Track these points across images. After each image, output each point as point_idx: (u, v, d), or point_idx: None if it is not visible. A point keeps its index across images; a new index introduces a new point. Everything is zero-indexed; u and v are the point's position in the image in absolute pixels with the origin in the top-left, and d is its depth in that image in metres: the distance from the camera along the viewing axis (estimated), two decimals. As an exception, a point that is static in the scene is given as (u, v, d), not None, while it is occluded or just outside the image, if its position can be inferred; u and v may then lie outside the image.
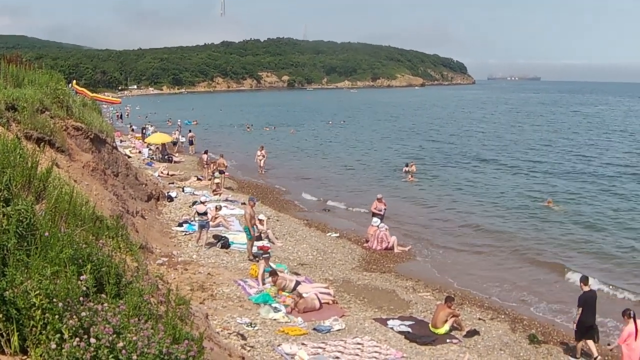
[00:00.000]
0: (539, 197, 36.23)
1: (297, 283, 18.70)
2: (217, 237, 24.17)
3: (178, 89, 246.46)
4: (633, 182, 42.05)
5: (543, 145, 62.84)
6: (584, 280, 16.53)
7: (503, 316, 18.35)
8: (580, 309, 15.91)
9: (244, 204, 27.88)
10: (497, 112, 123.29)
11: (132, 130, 69.23)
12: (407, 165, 45.40)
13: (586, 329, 15.94)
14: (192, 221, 24.95)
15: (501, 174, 46.11)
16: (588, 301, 16.00)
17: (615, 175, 44.50)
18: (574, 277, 20.98)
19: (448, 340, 16.00)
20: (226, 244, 23.49)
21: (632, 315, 14.81)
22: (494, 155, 55.58)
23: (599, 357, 15.74)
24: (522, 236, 28.32)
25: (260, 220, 25.16)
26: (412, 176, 43.43)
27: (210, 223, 24.89)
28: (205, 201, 27.44)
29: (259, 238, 24.00)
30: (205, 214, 23.93)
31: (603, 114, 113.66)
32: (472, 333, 16.60)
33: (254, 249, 22.69)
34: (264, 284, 18.90)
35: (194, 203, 29.59)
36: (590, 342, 15.97)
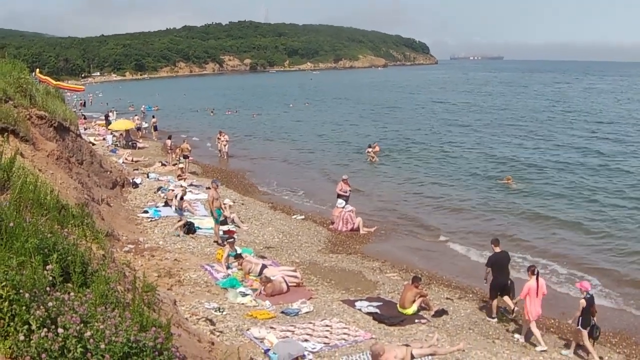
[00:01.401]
0: (499, 175, 36.83)
1: (264, 266, 18.69)
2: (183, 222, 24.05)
3: (141, 74, 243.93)
4: (587, 157, 43.34)
5: (505, 125, 63.39)
6: (495, 242, 17.57)
7: (471, 295, 18.52)
8: (489, 268, 16.95)
9: (209, 188, 27.77)
10: (458, 91, 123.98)
11: (84, 118, 68.05)
12: (370, 147, 45.48)
13: (500, 287, 16.92)
14: (176, 208, 24.70)
15: (463, 153, 46.42)
16: (498, 262, 16.98)
17: (572, 153, 45.42)
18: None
19: (416, 321, 16.08)
20: (192, 229, 23.36)
21: (535, 272, 15.65)
22: (456, 136, 55.98)
23: (516, 309, 16.68)
24: (483, 214, 28.89)
25: (227, 205, 25.10)
26: (375, 157, 43.61)
27: (174, 208, 24.78)
28: (185, 188, 27.25)
29: (225, 222, 23.92)
30: (182, 199, 23.81)
31: (561, 93, 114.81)
32: (441, 313, 16.70)
33: (220, 233, 22.63)
34: (228, 268, 18.86)
35: (159, 189, 29.50)
36: (506, 298, 17.02)
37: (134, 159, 40.26)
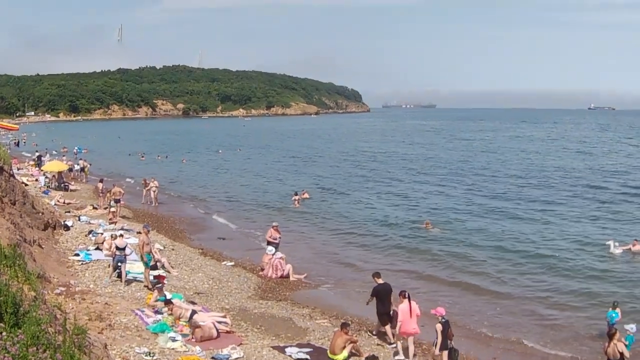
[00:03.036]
0: (419, 220, 37.96)
1: (194, 312, 18.55)
2: (114, 267, 23.73)
3: (74, 116, 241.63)
4: (504, 202, 45.47)
5: (426, 173, 65.04)
6: (376, 275, 19.71)
7: (402, 341, 18.71)
8: (374, 297, 18.92)
9: (139, 232, 27.52)
10: (384, 140, 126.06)
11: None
12: (296, 194, 45.92)
13: (385, 316, 18.80)
14: (110, 256, 24.31)
15: (387, 198, 48.29)
16: (380, 292, 18.89)
17: (492, 200, 47.24)
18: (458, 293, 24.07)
19: (347, 366, 16.09)
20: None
21: (406, 296, 17.51)
22: (379, 184, 57.40)
23: (395, 339, 18.13)
24: (409, 257, 30.17)
25: (157, 249, 24.92)
26: (298, 202, 44.25)
27: (106, 252, 24.50)
28: (122, 235, 26.80)
29: (155, 267, 23.71)
30: (124, 248, 23.35)
31: (488, 141, 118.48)
32: (371, 359, 16.86)
33: (150, 278, 22.41)
34: (158, 313, 18.68)
35: (90, 232, 29.18)
36: (387, 327, 18.77)
37: (66, 201, 40.06)
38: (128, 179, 54.78)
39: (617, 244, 30.05)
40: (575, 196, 47.29)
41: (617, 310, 17.70)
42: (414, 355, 17.28)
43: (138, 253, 23.83)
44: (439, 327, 16.25)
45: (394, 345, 17.81)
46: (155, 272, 23.19)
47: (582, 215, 39.81)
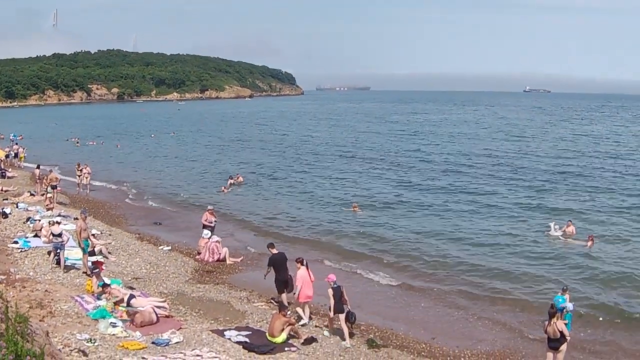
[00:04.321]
0: (348, 203, 38.89)
1: (131, 296, 18.70)
2: (54, 254, 23.61)
3: (10, 102, 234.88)
4: (430, 183, 46.10)
5: (353, 156, 65.52)
6: (270, 245, 21.22)
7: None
8: (271, 267, 20.30)
9: (76, 218, 27.39)
10: (314, 123, 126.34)
11: None
12: (231, 177, 46.28)
13: (282, 283, 20.14)
14: (48, 243, 24.17)
15: (318, 181, 49.26)
16: (277, 262, 20.30)
17: (417, 179, 49.17)
18: (379, 278, 24.71)
19: (287, 349, 16.49)
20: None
21: (304, 263, 19.16)
22: (313, 165, 58.91)
23: (288, 304, 19.27)
24: (334, 239, 31.13)
25: (94, 235, 24.88)
26: (229, 186, 44.54)
27: (45, 239, 24.40)
28: (60, 222, 26.54)
29: (93, 253, 23.70)
30: (60, 235, 23.19)
31: (417, 123, 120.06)
32: (310, 340, 17.21)
33: (89, 264, 22.41)
34: (99, 299, 18.78)
35: (28, 219, 28.93)
36: (283, 295, 20.01)
37: (3, 189, 39.49)
38: (64, 166, 54.02)
39: (557, 226, 31.11)
40: (499, 180, 48.27)
41: (566, 295, 18.04)
42: (310, 319, 19.11)
43: (76, 239, 23.78)
44: (330, 291, 17.73)
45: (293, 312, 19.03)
46: (93, 258, 23.20)
47: (507, 199, 40.97)
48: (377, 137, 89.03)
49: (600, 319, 20.43)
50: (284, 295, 19.95)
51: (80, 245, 22.41)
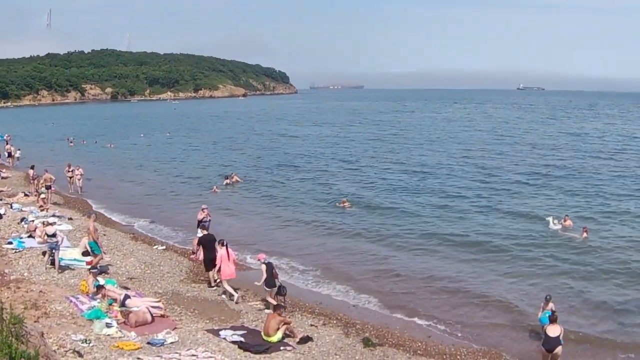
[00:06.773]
0: (338, 198, 39.49)
1: (126, 297, 18.66)
2: (49, 254, 23.54)
3: (4, 102, 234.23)
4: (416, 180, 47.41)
5: (349, 154, 65.97)
6: (202, 227, 24.54)
7: (335, 321, 19.18)
8: (201, 246, 22.83)
9: (71, 219, 27.41)
10: (306, 121, 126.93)
11: None
12: (227, 177, 46.29)
13: (210, 261, 21.95)
14: (43, 243, 24.10)
15: (310, 179, 49.43)
16: (205, 241, 22.60)
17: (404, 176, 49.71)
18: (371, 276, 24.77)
19: (282, 348, 16.50)
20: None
21: (224, 244, 21.22)
22: (307, 163, 59.27)
23: (220, 284, 21.39)
24: (327, 236, 31.41)
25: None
26: (217, 188, 44.34)
27: (39, 240, 24.34)
28: (54, 223, 26.44)
29: (87, 253, 23.64)
30: (54, 235, 23.09)
31: (406, 122, 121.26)
32: (306, 339, 17.21)
33: (83, 264, 22.37)
34: (93, 299, 18.72)
35: (22, 220, 28.86)
36: (210, 273, 22.22)
37: (-3, 189, 39.10)
38: (58, 166, 53.87)
39: (556, 220, 31.74)
40: (479, 180, 48.19)
41: (549, 305, 17.95)
42: (232, 294, 20.79)
43: (69, 240, 23.76)
44: (263, 267, 19.94)
45: (224, 297, 21.06)
46: (88, 258, 23.16)
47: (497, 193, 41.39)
48: (367, 135, 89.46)
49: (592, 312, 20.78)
50: (211, 273, 22.07)
51: (98, 246, 23.03)
